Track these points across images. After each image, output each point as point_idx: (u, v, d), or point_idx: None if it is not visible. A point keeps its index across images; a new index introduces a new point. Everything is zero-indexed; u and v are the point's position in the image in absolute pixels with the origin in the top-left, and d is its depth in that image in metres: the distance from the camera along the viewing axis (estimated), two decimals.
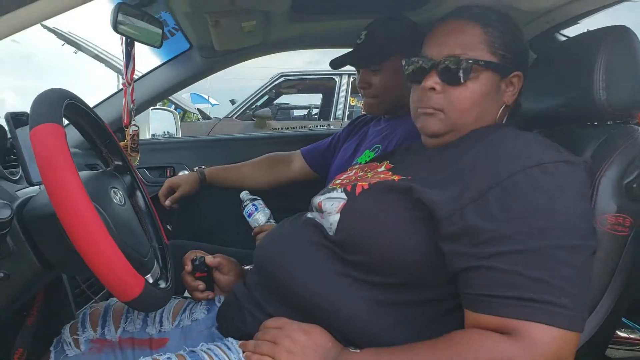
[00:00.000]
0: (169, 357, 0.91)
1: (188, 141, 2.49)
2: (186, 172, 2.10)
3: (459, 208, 0.82)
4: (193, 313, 1.13)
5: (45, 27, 6.50)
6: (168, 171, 2.21)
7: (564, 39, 1.59)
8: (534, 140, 0.87)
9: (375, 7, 1.68)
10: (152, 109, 3.19)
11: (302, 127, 6.13)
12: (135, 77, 1.90)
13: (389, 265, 0.89)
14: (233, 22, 1.68)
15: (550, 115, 1.16)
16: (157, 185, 1.99)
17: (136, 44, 1.77)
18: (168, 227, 2.04)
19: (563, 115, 1.13)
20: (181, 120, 5.84)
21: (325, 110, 6.56)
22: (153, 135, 3.36)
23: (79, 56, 7.12)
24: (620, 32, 1.02)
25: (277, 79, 6.37)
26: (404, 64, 1.06)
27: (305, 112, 7.80)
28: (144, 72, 2.16)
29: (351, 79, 5.97)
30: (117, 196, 1.01)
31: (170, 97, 6.53)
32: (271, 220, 1.68)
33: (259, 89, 6.47)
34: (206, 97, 13.13)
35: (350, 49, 1.59)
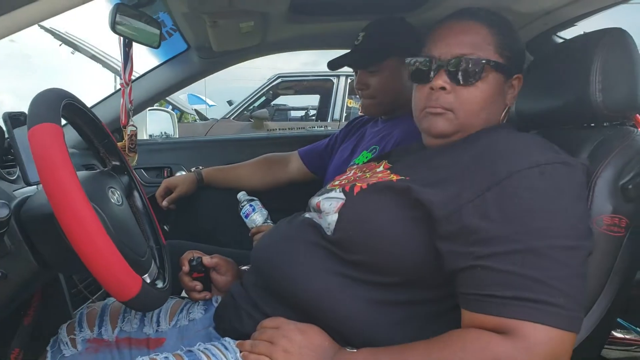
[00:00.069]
0: (166, 357, 0.91)
1: (185, 142, 2.49)
2: (183, 173, 2.10)
3: (457, 208, 0.82)
4: (190, 313, 1.13)
5: (42, 27, 6.49)
6: (165, 172, 2.21)
7: (561, 41, 1.59)
8: (532, 142, 0.88)
9: (372, 9, 1.69)
10: (149, 110, 3.18)
11: (299, 128, 6.13)
12: (133, 77, 1.90)
13: (387, 265, 0.89)
14: (231, 22, 1.68)
15: (547, 117, 1.17)
16: (154, 185, 1.99)
17: (134, 44, 1.77)
18: (165, 227, 2.04)
19: (559, 117, 1.14)
20: (178, 121, 5.84)
21: (322, 111, 6.57)
22: (150, 135, 3.36)
23: (77, 57, 7.11)
24: (616, 35, 1.03)
25: (275, 80, 6.37)
26: (407, 63, 1.05)
27: (302, 113, 7.81)
28: (142, 72, 2.16)
29: (349, 81, 5.97)
30: (115, 196, 1.01)
31: (167, 98, 6.52)
32: (268, 221, 1.68)
33: (257, 90, 6.48)
34: (203, 98, 13.12)
35: (348, 50, 1.60)
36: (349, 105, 6.21)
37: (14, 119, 1.05)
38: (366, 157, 1.49)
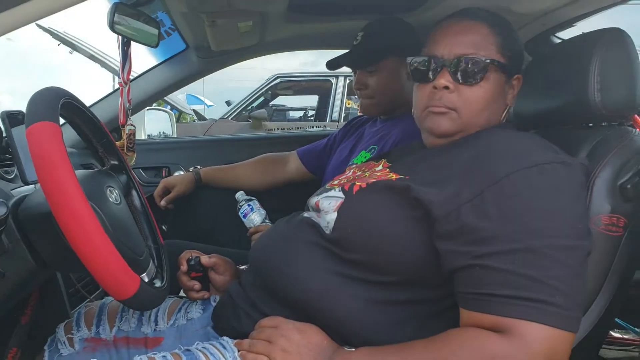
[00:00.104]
0: (164, 356, 0.91)
1: (184, 141, 2.49)
2: (182, 173, 2.10)
3: (455, 207, 0.82)
4: (188, 312, 1.13)
5: (40, 27, 6.49)
6: (163, 171, 2.20)
7: (559, 41, 1.60)
8: (532, 141, 0.88)
9: (371, 9, 1.69)
10: (147, 109, 3.17)
11: (298, 129, 6.13)
12: (132, 77, 1.90)
13: (385, 264, 0.89)
14: (229, 22, 1.68)
15: (545, 117, 1.17)
16: (152, 185, 1.99)
17: (133, 43, 1.77)
18: (163, 227, 2.03)
19: (558, 117, 1.14)
20: (177, 122, 5.83)
21: (321, 111, 6.57)
22: (149, 135, 3.35)
23: (75, 57, 7.10)
24: (614, 35, 1.03)
25: (273, 80, 6.37)
26: (409, 62, 1.05)
27: (301, 113, 7.81)
28: (140, 72, 2.16)
29: (347, 81, 5.97)
30: (113, 195, 1.01)
31: (165, 98, 6.52)
32: (267, 221, 1.68)
33: (255, 90, 6.47)
34: (202, 98, 13.10)
35: (347, 50, 1.60)
36: (347, 105, 6.21)
37: (12, 118, 1.04)
38: (365, 157, 1.49)
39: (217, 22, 1.65)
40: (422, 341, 0.82)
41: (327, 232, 0.96)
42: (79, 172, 0.93)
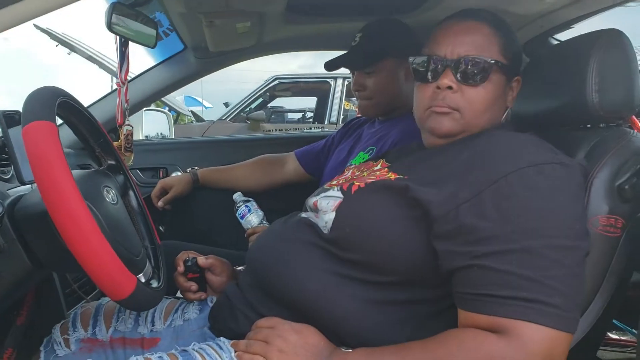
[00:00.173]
0: (160, 357, 0.91)
1: (181, 142, 2.49)
2: (179, 173, 2.10)
3: (454, 207, 0.82)
4: (185, 313, 1.12)
5: (38, 28, 6.47)
6: (161, 172, 2.20)
7: (557, 43, 1.60)
8: (530, 142, 0.88)
9: (369, 10, 1.69)
10: (145, 110, 3.17)
11: (296, 129, 6.13)
12: (129, 77, 1.89)
13: (383, 264, 0.89)
14: (227, 23, 1.68)
15: (543, 118, 1.17)
16: (149, 186, 1.99)
17: (130, 43, 1.76)
18: (160, 228, 2.03)
19: (556, 118, 1.14)
20: (175, 123, 5.82)
21: (319, 113, 6.56)
22: (146, 136, 3.34)
23: (73, 58, 7.09)
24: (612, 36, 1.03)
25: (272, 81, 6.36)
26: (410, 62, 1.05)
27: (299, 115, 7.81)
28: (138, 73, 2.16)
29: (346, 83, 5.97)
30: (110, 195, 1.01)
31: (164, 99, 6.51)
32: (264, 222, 1.68)
33: (253, 91, 6.47)
34: (200, 99, 13.11)
35: (345, 52, 1.60)
36: (346, 107, 6.21)
37: (8, 118, 1.04)
38: (363, 158, 1.49)
39: (215, 22, 1.65)
40: (419, 342, 0.81)
41: (325, 232, 0.95)
42: (76, 172, 0.93)
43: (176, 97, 8.65)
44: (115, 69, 1.94)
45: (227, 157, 2.14)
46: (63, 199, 0.75)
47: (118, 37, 1.72)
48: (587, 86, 1.01)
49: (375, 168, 1.08)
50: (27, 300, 1.24)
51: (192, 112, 8.86)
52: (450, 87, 0.97)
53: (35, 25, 6.39)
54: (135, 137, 1.96)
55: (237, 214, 1.71)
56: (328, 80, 6.11)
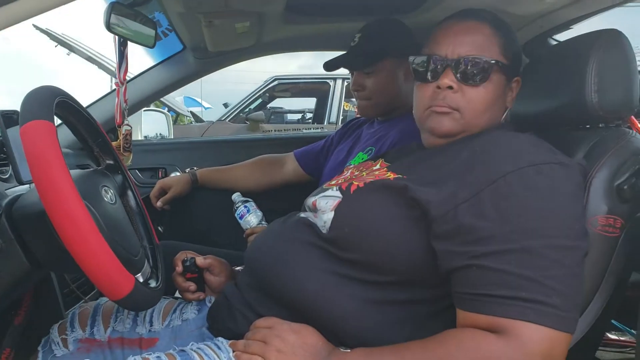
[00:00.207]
0: (158, 357, 0.91)
1: (180, 142, 2.49)
2: (178, 174, 2.10)
3: (452, 207, 0.82)
4: (183, 313, 1.12)
5: (38, 28, 6.47)
6: (160, 172, 2.20)
7: (556, 43, 1.60)
8: (529, 142, 0.88)
9: (369, 10, 1.69)
10: (144, 110, 3.17)
11: (295, 130, 6.13)
12: (128, 77, 1.89)
13: (382, 264, 0.89)
14: (227, 23, 1.68)
15: (543, 118, 1.17)
16: (148, 186, 1.98)
17: (130, 44, 1.76)
18: (159, 228, 2.03)
19: (555, 119, 1.14)
20: (174, 124, 5.82)
21: (319, 114, 6.56)
22: (145, 136, 3.34)
23: (72, 58, 7.09)
24: (611, 36, 1.03)
25: (271, 82, 6.36)
26: (410, 61, 1.05)
27: (299, 116, 7.81)
28: (137, 73, 2.16)
29: (345, 83, 5.97)
30: (108, 195, 1.00)
31: (163, 100, 6.51)
32: (263, 222, 1.68)
33: (253, 92, 6.46)
34: (199, 100, 13.10)
35: (344, 52, 1.60)
36: (345, 108, 6.21)
37: (7, 118, 1.04)
38: (362, 159, 1.49)
39: (214, 22, 1.65)
40: (418, 342, 0.81)
41: (324, 231, 0.95)
42: (74, 172, 0.92)
43: (176, 98, 8.64)
44: (114, 69, 1.93)
45: (226, 158, 2.13)
46: (61, 199, 0.75)
47: (117, 37, 1.72)
48: (587, 86, 1.01)
49: (375, 168, 1.07)
50: (25, 300, 1.23)
51: (191, 112, 8.86)
52: (450, 87, 0.97)
53: (35, 26, 6.39)
54: (134, 138, 1.96)
55: (236, 214, 1.71)
56: (327, 81, 6.11)
